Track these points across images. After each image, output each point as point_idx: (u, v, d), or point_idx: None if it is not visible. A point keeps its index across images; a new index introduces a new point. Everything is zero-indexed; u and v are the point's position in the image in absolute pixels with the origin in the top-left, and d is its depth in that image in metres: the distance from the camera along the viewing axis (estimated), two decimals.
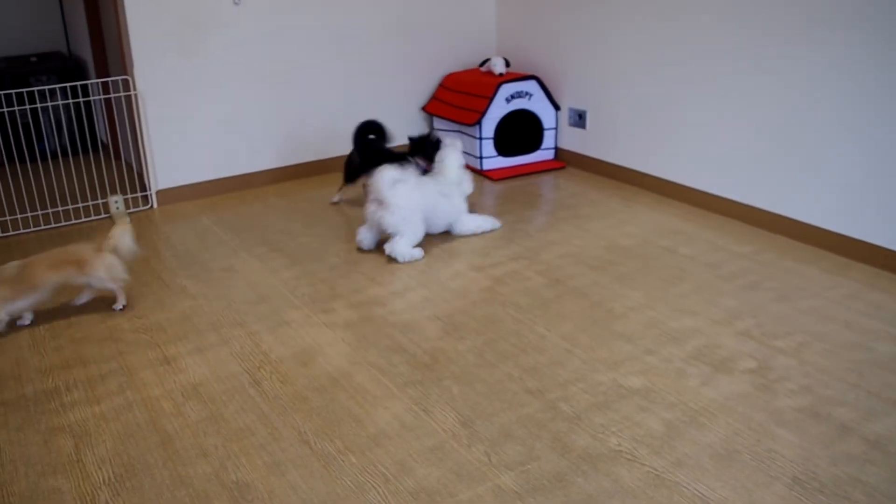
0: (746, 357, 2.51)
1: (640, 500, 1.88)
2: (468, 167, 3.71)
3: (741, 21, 3.47)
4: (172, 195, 4.15)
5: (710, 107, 3.70)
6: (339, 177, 4.06)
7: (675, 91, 3.86)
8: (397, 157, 3.67)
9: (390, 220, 3.26)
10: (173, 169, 4.12)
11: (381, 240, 3.39)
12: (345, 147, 4.63)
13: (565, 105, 4.58)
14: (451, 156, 3.55)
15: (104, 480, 2.01)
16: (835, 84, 3.16)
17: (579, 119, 4.49)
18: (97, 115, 5.14)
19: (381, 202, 3.25)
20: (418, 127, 4.87)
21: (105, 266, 2.84)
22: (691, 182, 3.88)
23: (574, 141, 4.58)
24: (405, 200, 3.26)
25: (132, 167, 4.55)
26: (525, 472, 1.99)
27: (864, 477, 1.95)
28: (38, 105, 4.16)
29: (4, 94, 4.23)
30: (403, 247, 3.29)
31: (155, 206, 4.11)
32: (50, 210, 3.95)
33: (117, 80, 4.08)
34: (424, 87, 4.84)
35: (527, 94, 4.47)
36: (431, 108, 4.76)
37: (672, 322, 2.75)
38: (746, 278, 3.08)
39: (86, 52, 4.98)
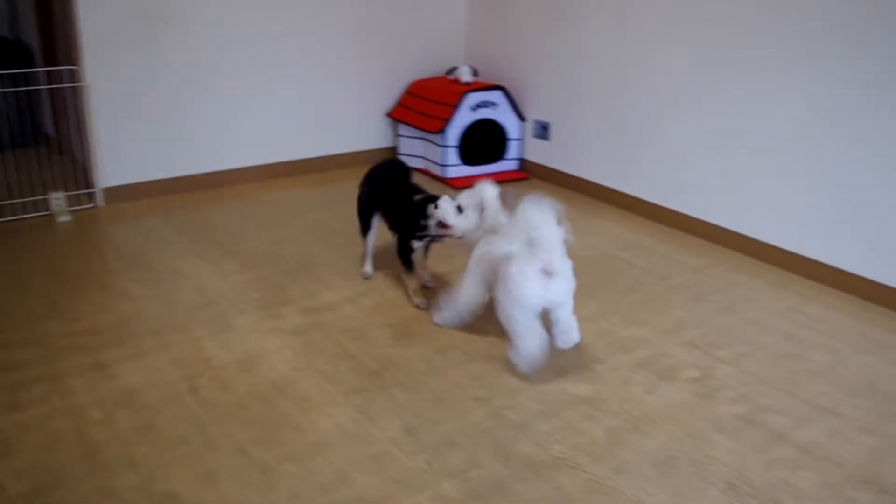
0: (690, 366, 2.54)
1: None
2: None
3: (703, 38, 3.52)
4: (120, 193, 4.04)
5: (671, 124, 3.76)
6: (298, 180, 3.95)
7: (638, 107, 3.91)
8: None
9: (563, 290, 2.48)
10: (122, 166, 4.01)
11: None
12: (306, 150, 4.59)
13: (530, 116, 4.60)
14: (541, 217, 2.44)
15: (19, 494, 1.90)
16: (782, 104, 3.23)
17: (543, 131, 4.52)
18: (42, 107, 4.98)
19: (548, 269, 2.37)
20: (382, 133, 4.83)
21: None
22: (651, 197, 3.93)
23: (538, 152, 4.60)
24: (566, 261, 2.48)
25: (78, 163, 4.42)
26: (466, 479, 1.97)
27: (794, 482, 2.00)
28: None
29: None
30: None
31: (101, 204, 3.99)
32: None
33: (64, 71, 3.95)
34: (390, 93, 4.81)
35: (492, 103, 4.48)
36: (397, 115, 4.74)
37: (622, 331, 2.76)
38: (696, 290, 3.12)
39: (33, 40, 4.82)
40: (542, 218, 2.35)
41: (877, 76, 2.89)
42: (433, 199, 2.77)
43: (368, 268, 3.19)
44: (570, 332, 2.56)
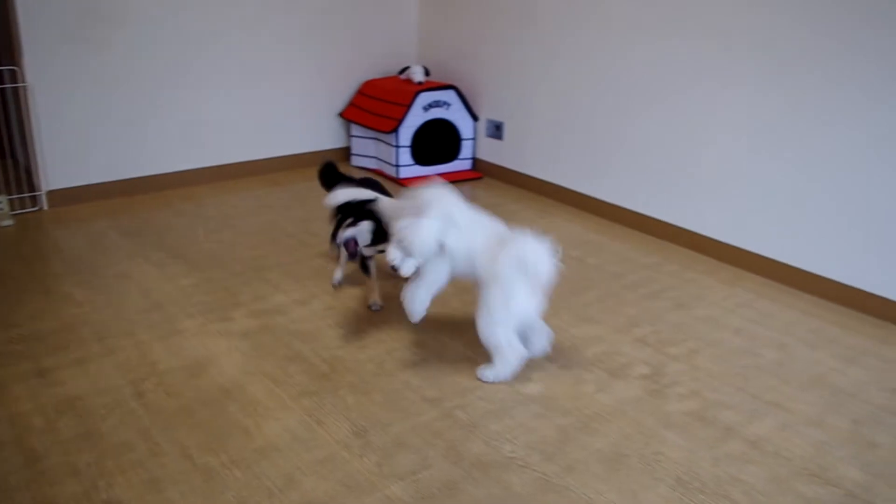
0: (641, 363, 2.55)
1: None
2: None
3: (653, 37, 3.55)
4: (65, 196, 3.94)
5: (623, 123, 3.78)
6: (249, 181, 3.87)
7: (589, 106, 3.93)
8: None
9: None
10: (67, 168, 3.91)
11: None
12: (257, 151, 4.53)
13: (483, 116, 4.59)
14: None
15: None
16: (731, 103, 3.27)
17: (496, 130, 4.52)
18: None
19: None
20: (335, 134, 4.79)
21: None
22: (603, 195, 3.95)
23: (491, 152, 4.60)
24: None
25: (20, 165, 4.30)
26: (416, 481, 1.95)
27: (743, 476, 2.01)
28: None
29: None
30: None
31: (45, 207, 3.89)
32: None
33: (4, 71, 3.83)
34: (342, 93, 4.78)
35: (445, 103, 4.47)
36: (349, 115, 4.70)
37: (574, 329, 2.77)
38: (649, 287, 3.14)
39: None
40: (539, 250, 2.30)
41: (831, 71, 2.94)
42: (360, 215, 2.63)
43: (338, 274, 3.10)
44: (543, 336, 2.52)
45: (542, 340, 2.51)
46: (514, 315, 2.36)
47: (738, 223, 3.35)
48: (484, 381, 2.42)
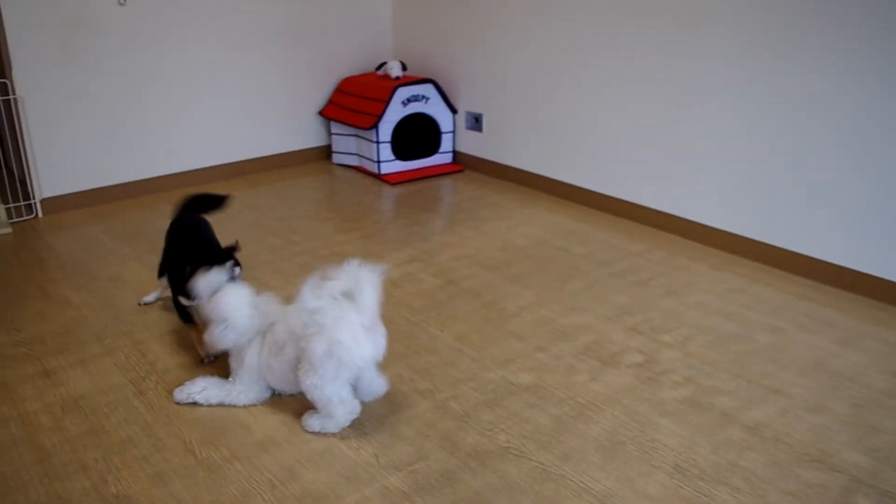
0: (634, 351, 2.58)
1: (527, 495, 1.90)
2: None
3: (632, 24, 3.57)
4: (58, 204, 3.98)
5: (601, 109, 3.80)
6: (234, 182, 3.91)
7: (568, 95, 3.95)
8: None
9: (384, 344, 2.18)
10: (59, 176, 3.95)
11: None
12: (240, 153, 4.56)
13: (462, 108, 4.62)
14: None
15: None
16: (714, 85, 3.29)
17: (476, 122, 4.54)
18: None
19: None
20: (315, 132, 4.82)
21: None
22: (586, 184, 3.97)
23: (471, 144, 4.62)
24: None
25: (14, 175, 4.33)
26: (413, 471, 1.98)
27: (742, 462, 2.02)
28: None
29: None
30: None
31: (40, 215, 3.93)
32: None
33: None
34: (321, 91, 4.80)
35: (423, 97, 4.49)
36: (328, 113, 4.73)
37: (563, 319, 2.80)
38: (637, 275, 3.17)
39: None
40: (366, 276, 2.06)
41: (807, 52, 2.97)
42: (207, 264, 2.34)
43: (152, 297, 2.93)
44: (377, 382, 2.25)
45: (371, 384, 2.21)
46: (357, 365, 2.07)
47: (725, 207, 3.37)
48: (307, 431, 2.14)
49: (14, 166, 4.27)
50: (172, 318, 2.79)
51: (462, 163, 4.71)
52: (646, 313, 2.84)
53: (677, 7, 3.35)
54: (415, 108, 4.47)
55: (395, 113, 4.41)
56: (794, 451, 2.07)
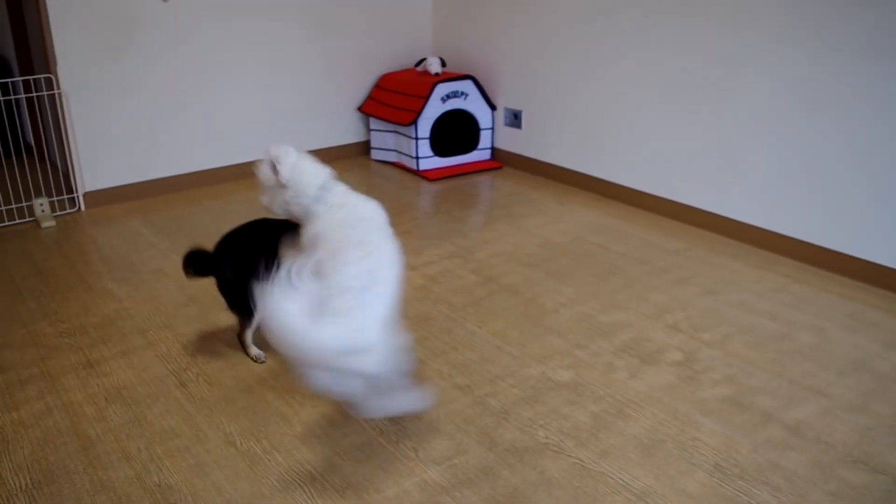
0: (674, 349, 2.56)
1: (566, 490, 1.90)
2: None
3: (673, 21, 3.54)
4: (101, 197, 4.04)
5: (643, 107, 3.77)
6: None
7: (608, 91, 3.92)
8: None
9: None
10: (101, 171, 4.02)
11: None
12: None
13: (501, 105, 4.61)
14: None
15: (21, 487, 1.94)
16: (761, 85, 3.25)
17: (515, 119, 4.53)
18: (22, 116, 4.97)
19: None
20: (355, 128, 4.85)
21: None
22: (625, 181, 3.94)
23: (510, 141, 4.61)
24: None
25: (58, 169, 4.42)
26: (452, 466, 1.99)
27: (783, 462, 2.00)
28: None
29: None
30: None
31: (82, 208, 4.00)
32: None
33: (40, 79, 3.95)
34: (360, 88, 4.82)
35: (462, 93, 4.48)
36: (367, 109, 4.74)
37: (602, 317, 2.78)
38: (676, 273, 3.14)
39: (9, 50, 4.82)
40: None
41: (855, 46, 2.92)
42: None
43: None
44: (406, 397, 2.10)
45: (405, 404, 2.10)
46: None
47: (767, 206, 3.33)
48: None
49: (58, 160, 4.35)
50: (214, 313, 2.82)
51: (500, 159, 4.70)
52: (685, 311, 2.82)
53: (719, 4, 3.31)
54: (454, 104, 4.47)
55: (434, 109, 4.41)
56: (837, 452, 2.04)
